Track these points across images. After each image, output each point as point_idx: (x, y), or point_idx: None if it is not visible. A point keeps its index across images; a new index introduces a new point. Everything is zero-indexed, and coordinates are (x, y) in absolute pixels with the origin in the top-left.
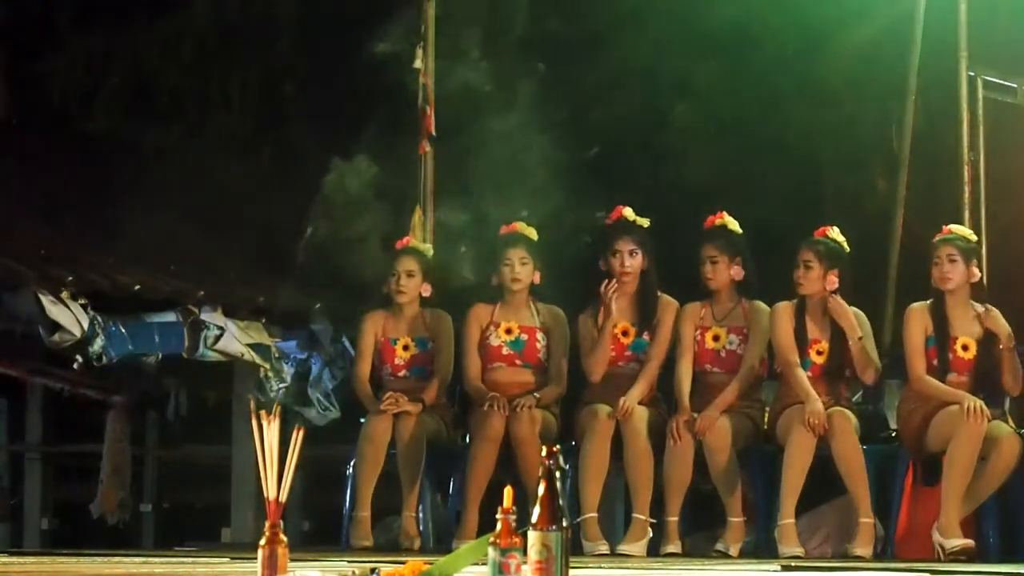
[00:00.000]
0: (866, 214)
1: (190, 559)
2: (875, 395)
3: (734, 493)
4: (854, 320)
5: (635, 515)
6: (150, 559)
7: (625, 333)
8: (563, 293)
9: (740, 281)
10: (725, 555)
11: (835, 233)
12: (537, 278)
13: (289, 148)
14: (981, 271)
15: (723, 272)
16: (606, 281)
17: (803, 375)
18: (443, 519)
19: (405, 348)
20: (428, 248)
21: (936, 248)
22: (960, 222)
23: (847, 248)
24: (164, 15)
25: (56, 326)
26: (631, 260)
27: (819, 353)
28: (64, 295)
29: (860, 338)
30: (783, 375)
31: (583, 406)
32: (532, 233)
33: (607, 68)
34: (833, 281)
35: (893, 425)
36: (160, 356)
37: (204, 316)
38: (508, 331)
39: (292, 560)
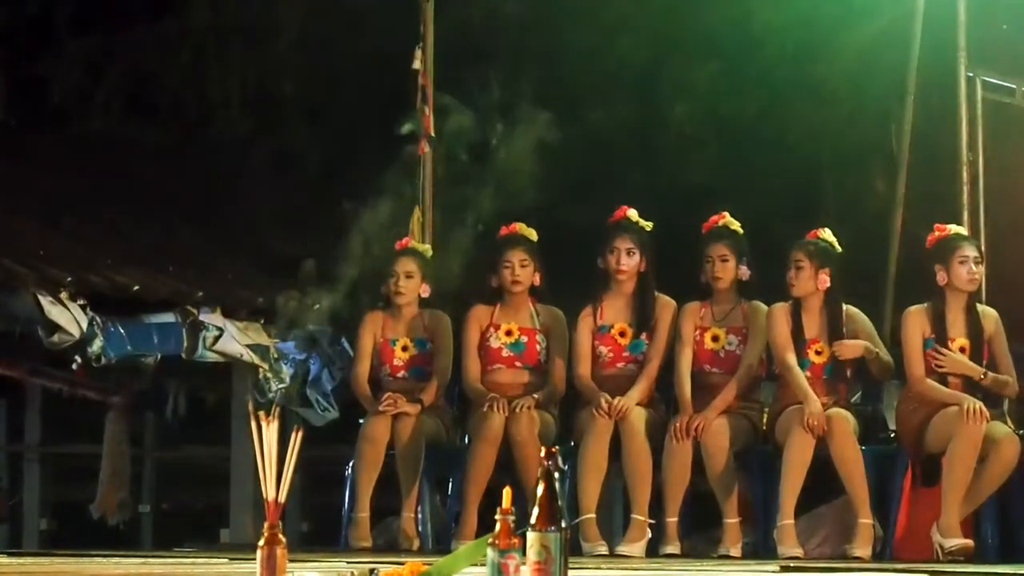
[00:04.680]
0: (865, 214)
1: (189, 560)
2: (874, 396)
3: (731, 494)
4: (863, 347)
5: (634, 516)
6: (148, 560)
7: (623, 334)
8: (562, 294)
9: (741, 281)
10: (727, 556)
11: (826, 234)
12: (537, 280)
13: (288, 148)
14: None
15: (732, 271)
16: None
17: (801, 376)
18: (442, 520)
19: (404, 349)
20: (427, 249)
21: (961, 247)
22: (959, 222)
23: (838, 248)
24: (163, 16)
25: (55, 327)
26: (628, 259)
27: (818, 353)
28: (63, 296)
29: (876, 355)
30: (781, 376)
31: (582, 407)
32: (532, 234)
33: (606, 68)
34: (824, 280)
35: (892, 426)
36: (159, 357)
37: (203, 317)
38: (508, 333)
39: (291, 561)
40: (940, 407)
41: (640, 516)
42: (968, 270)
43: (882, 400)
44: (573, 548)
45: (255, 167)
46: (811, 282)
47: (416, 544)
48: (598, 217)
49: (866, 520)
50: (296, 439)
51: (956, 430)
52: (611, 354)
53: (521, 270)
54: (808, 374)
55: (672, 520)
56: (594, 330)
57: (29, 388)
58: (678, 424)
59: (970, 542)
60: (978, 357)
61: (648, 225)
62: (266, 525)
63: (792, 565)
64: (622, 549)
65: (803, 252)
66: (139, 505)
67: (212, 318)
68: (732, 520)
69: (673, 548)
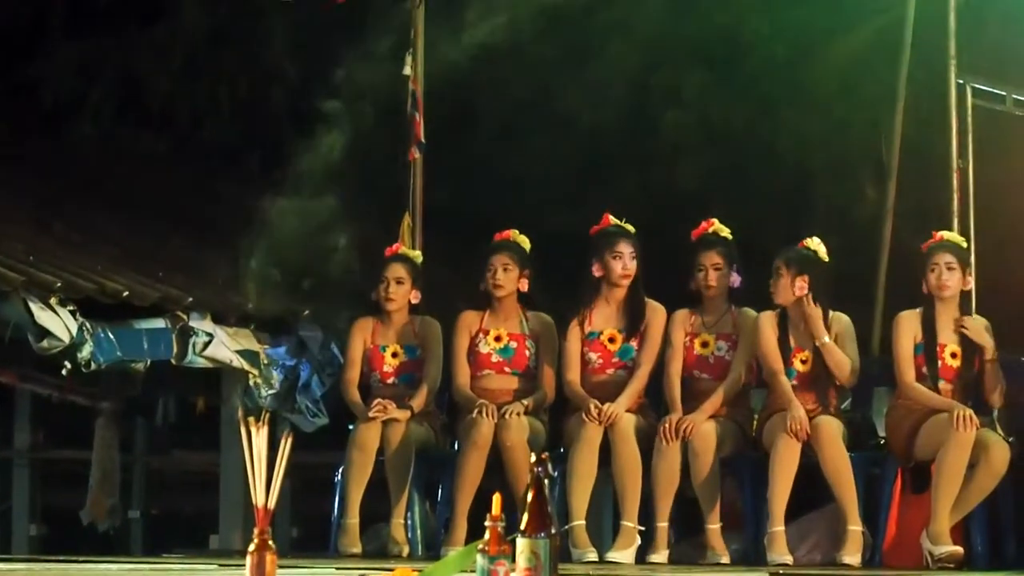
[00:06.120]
0: (855, 221)
1: (178, 566)
2: (863, 402)
3: (715, 500)
4: (820, 323)
5: (623, 522)
6: (138, 566)
7: (612, 340)
8: (552, 301)
9: (731, 288)
10: (716, 563)
11: (812, 242)
12: (524, 285)
13: (278, 154)
14: (971, 279)
15: (725, 279)
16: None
17: (787, 383)
18: (432, 526)
19: (394, 355)
20: (417, 255)
21: (933, 255)
22: (949, 229)
23: (823, 256)
24: (155, 22)
25: (45, 332)
26: (632, 264)
27: (803, 362)
28: (53, 301)
29: (824, 343)
30: (769, 383)
31: (571, 413)
32: (523, 241)
33: (596, 76)
34: (801, 287)
35: (882, 432)
36: (149, 362)
37: (193, 322)
38: (497, 338)
39: (280, 567)
40: (930, 413)
41: (630, 523)
42: (937, 277)
43: (872, 406)
44: (562, 554)
45: (245, 172)
46: (788, 290)
47: (406, 550)
48: (588, 224)
49: (855, 527)
50: (286, 445)
51: (946, 437)
52: (600, 360)
53: (503, 274)
54: (794, 382)
55: (663, 525)
56: (583, 336)
57: (18, 393)
58: (667, 425)
59: (960, 549)
60: (969, 365)
61: (632, 229)
62: (256, 531)
63: (782, 572)
64: (612, 556)
65: (782, 260)
66: (129, 511)
67: (202, 324)
68: (714, 526)
69: (662, 554)
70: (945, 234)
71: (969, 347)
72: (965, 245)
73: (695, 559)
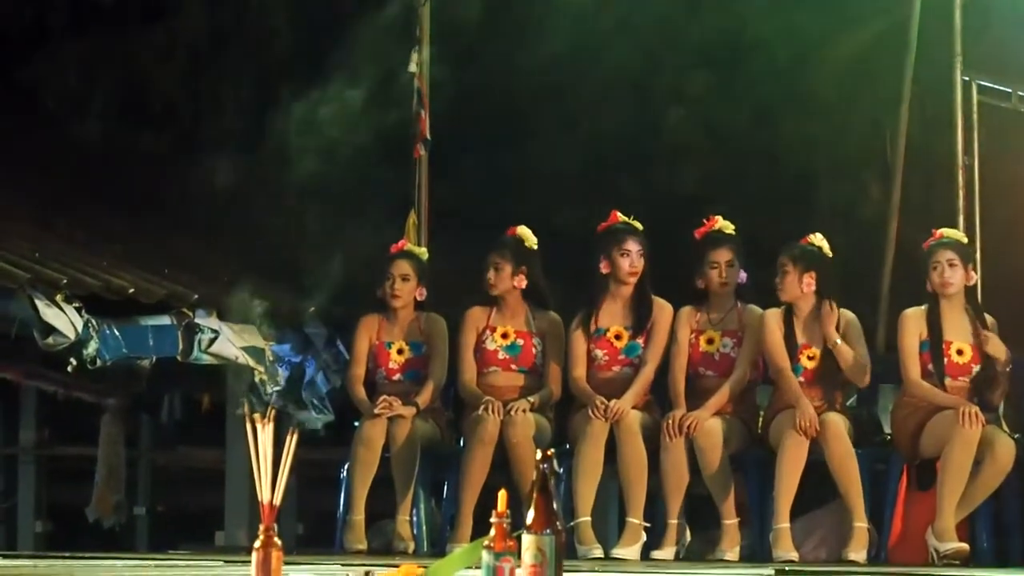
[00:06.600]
0: (861, 220)
1: (184, 562)
2: (869, 399)
3: (727, 496)
4: (832, 327)
5: (629, 519)
6: (143, 562)
7: (618, 337)
8: (557, 298)
9: (738, 285)
10: (722, 560)
11: (816, 238)
12: (520, 283)
13: (282, 151)
14: (976, 274)
15: (736, 276)
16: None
17: (794, 380)
18: (437, 523)
19: (400, 352)
20: (423, 252)
21: (934, 253)
22: (955, 227)
23: (827, 252)
24: (157, 20)
25: (50, 329)
26: (639, 261)
27: (810, 358)
28: (58, 298)
29: (836, 344)
30: (776, 380)
31: (577, 410)
32: (525, 238)
33: (599, 77)
34: (809, 283)
35: (887, 429)
36: (154, 359)
37: (198, 319)
38: (504, 335)
39: (286, 563)
40: (935, 410)
41: (635, 519)
42: (939, 274)
43: (877, 403)
44: (568, 551)
45: (249, 169)
46: (796, 287)
47: (411, 547)
48: (591, 223)
49: (861, 524)
50: (291, 441)
51: (952, 434)
52: (607, 357)
53: (494, 274)
54: (801, 379)
55: (673, 522)
56: (590, 334)
57: (24, 390)
58: (670, 420)
59: (965, 546)
60: (984, 366)
61: (639, 226)
62: (261, 527)
63: (788, 568)
64: (617, 552)
65: (787, 257)
66: (134, 507)
67: (208, 320)
68: (730, 521)
69: (668, 551)
70: (945, 231)
71: (978, 346)
72: (966, 241)
73: (702, 555)
